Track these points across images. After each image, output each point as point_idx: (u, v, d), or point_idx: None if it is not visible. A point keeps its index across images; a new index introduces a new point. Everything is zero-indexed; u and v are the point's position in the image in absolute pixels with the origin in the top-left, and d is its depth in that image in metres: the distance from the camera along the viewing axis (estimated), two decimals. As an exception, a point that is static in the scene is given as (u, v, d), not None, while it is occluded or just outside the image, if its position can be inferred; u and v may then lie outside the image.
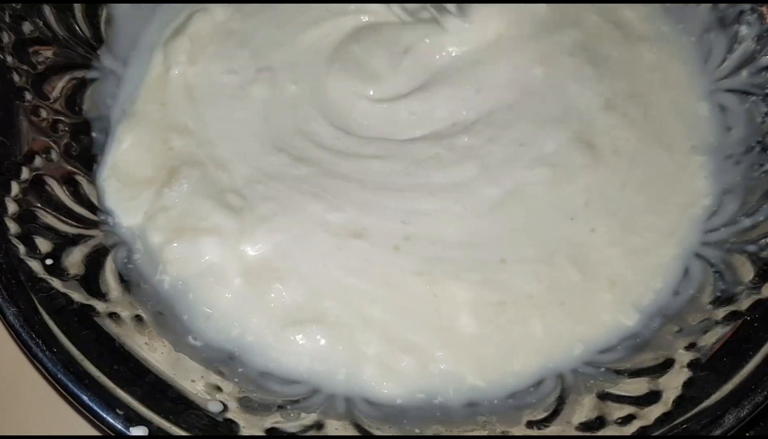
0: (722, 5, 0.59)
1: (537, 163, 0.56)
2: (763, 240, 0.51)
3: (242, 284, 0.52)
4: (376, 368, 0.49)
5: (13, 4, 0.55)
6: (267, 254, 0.52)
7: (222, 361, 0.50)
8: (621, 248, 0.54)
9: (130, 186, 0.56)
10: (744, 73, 0.58)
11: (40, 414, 0.55)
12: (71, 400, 0.44)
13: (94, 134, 0.58)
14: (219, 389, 0.47)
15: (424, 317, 0.51)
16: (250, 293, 0.52)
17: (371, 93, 0.60)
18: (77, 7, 0.59)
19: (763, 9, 0.57)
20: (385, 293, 0.52)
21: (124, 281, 0.52)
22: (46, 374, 0.44)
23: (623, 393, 0.47)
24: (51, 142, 0.54)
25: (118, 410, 0.43)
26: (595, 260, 0.53)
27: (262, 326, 0.51)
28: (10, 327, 0.45)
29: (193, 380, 0.47)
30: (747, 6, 0.57)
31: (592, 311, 0.52)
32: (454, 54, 0.61)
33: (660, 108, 0.58)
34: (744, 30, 0.58)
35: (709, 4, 0.60)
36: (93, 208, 0.54)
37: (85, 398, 0.43)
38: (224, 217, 0.53)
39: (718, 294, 0.50)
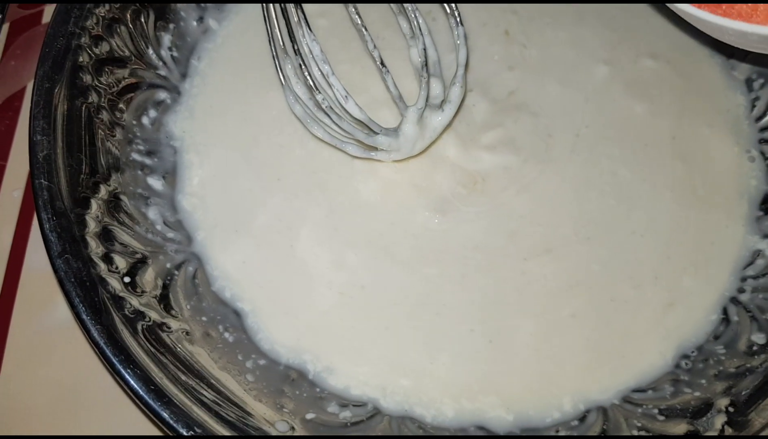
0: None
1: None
2: (799, 292, 0.54)
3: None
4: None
5: (92, 25, 0.57)
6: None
7: (284, 381, 0.53)
8: (663, 289, 0.56)
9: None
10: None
11: (108, 414, 0.57)
12: (149, 413, 0.47)
13: (165, 152, 0.60)
14: (283, 408, 0.50)
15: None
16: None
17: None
18: (150, 27, 0.62)
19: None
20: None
21: (192, 298, 0.55)
22: (128, 391, 0.47)
23: (663, 432, 0.50)
24: (126, 160, 0.57)
25: (196, 429, 0.45)
26: (638, 300, 0.56)
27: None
28: (94, 344, 0.47)
29: (260, 400, 0.50)
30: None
31: (634, 349, 0.55)
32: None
33: (708, 156, 0.61)
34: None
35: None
36: (165, 225, 0.57)
37: (165, 415, 0.45)
38: None
39: (755, 340, 0.53)
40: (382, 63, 0.56)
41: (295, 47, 0.56)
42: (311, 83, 0.55)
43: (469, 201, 0.59)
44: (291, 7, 0.58)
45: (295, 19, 0.57)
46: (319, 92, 0.55)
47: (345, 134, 0.57)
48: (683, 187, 0.59)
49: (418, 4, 0.59)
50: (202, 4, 0.65)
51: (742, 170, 0.60)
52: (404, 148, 0.57)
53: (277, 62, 0.58)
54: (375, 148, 0.57)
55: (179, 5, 0.64)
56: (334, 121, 0.56)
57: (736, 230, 0.58)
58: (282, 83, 0.58)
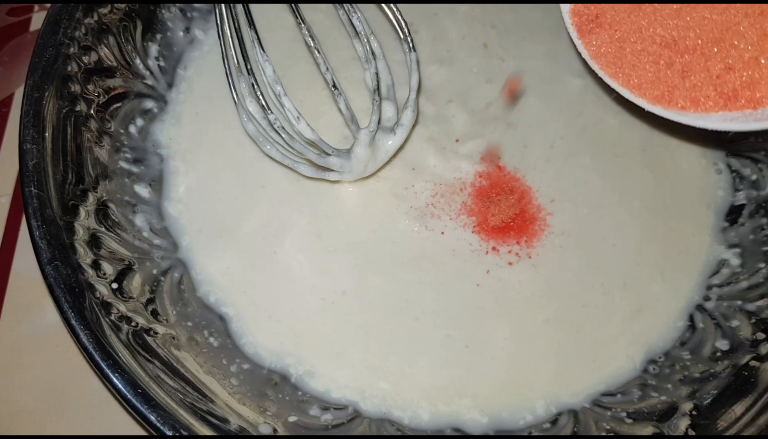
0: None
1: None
2: (761, 301, 0.56)
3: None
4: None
5: (81, 35, 0.58)
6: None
7: (267, 384, 0.54)
8: (632, 296, 0.59)
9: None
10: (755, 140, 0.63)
11: (96, 416, 0.58)
12: (136, 416, 0.48)
13: (152, 159, 0.62)
14: (266, 411, 0.52)
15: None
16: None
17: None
18: (138, 38, 0.63)
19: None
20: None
21: (178, 304, 0.56)
22: (116, 394, 0.48)
23: (630, 434, 0.52)
24: (113, 168, 0.58)
25: (182, 431, 0.47)
26: (608, 307, 0.58)
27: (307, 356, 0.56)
28: (83, 349, 0.49)
29: (244, 403, 0.52)
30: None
31: (604, 354, 0.57)
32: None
33: (677, 167, 0.64)
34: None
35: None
36: (151, 232, 0.58)
37: (152, 418, 0.47)
38: None
39: (719, 347, 0.55)
40: (334, 85, 0.57)
41: (249, 66, 0.57)
42: (264, 103, 0.57)
43: (448, 209, 0.61)
44: (245, 26, 0.59)
45: (250, 38, 0.58)
46: (272, 112, 0.56)
47: (297, 154, 0.58)
48: (652, 197, 0.62)
49: (373, 29, 0.61)
50: (189, 15, 0.67)
51: (710, 182, 0.63)
52: (356, 170, 0.58)
53: (230, 80, 0.59)
54: (327, 169, 0.58)
55: (166, 15, 0.65)
56: (286, 141, 0.57)
57: (703, 239, 0.61)
58: (235, 101, 0.59)
